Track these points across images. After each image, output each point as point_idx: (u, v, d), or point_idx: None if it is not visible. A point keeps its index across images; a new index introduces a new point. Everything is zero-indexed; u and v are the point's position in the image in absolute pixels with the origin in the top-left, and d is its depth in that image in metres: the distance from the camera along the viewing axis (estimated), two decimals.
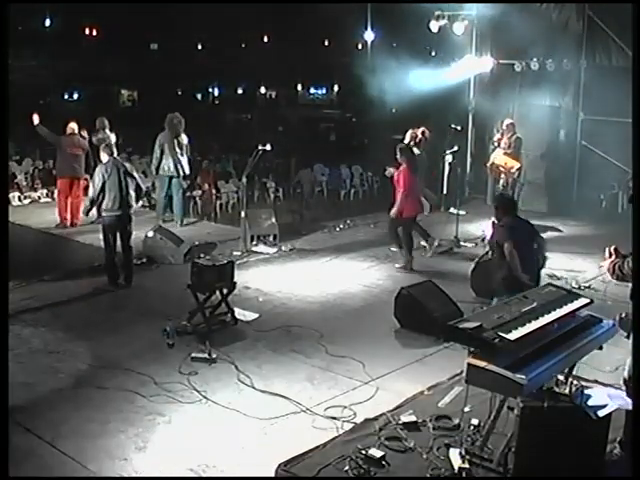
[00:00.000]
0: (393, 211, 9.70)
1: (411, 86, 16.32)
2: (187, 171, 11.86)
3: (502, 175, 12.33)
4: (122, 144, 13.13)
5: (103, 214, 8.92)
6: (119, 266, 8.89)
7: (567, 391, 4.82)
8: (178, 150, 11.68)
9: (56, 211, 12.08)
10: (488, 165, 12.22)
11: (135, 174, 9.08)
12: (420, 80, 15.52)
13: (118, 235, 8.85)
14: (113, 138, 12.29)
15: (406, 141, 10.29)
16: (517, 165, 12.02)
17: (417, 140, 10.42)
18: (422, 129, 10.58)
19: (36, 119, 11.59)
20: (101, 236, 8.97)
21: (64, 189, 11.96)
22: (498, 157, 12.20)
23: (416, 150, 10.22)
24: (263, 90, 48.65)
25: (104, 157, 8.90)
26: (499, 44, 14.44)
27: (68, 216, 11.97)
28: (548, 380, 4.84)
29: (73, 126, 12.00)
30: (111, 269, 8.86)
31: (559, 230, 12.26)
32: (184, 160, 11.83)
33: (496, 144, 12.39)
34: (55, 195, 13.24)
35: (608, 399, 4.62)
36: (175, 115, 11.97)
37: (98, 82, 38.38)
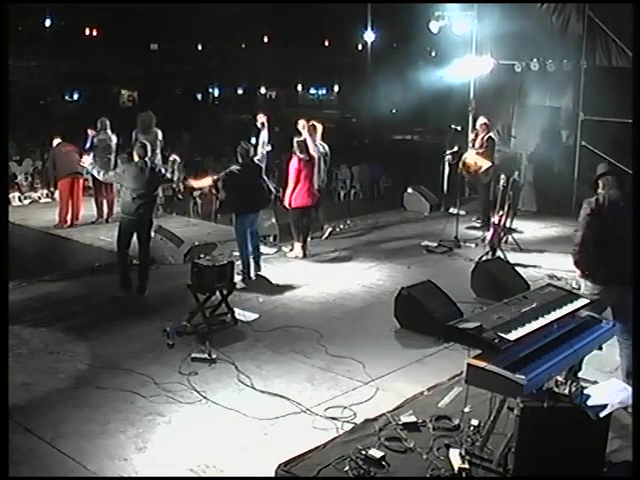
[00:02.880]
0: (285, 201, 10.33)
1: (411, 87, 16.36)
2: (160, 165, 12.07)
3: (474, 175, 12.19)
4: (122, 144, 13.12)
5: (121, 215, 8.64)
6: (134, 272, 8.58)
7: (567, 391, 4.82)
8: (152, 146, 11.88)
9: (56, 211, 12.07)
10: (460, 165, 12.17)
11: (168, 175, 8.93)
12: (420, 81, 15.55)
13: (135, 238, 8.55)
14: (114, 139, 12.30)
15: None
16: (487, 165, 11.83)
17: (311, 133, 10.79)
18: (312, 122, 10.89)
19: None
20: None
21: (65, 189, 11.94)
22: (469, 157, 12.12)
23: (318, 141, 10.80)
24: (263, 90, 48.67)
25: (135, 157, 8.61)
26: (499, 44, 14.44)
27: (69, 217, 11.95)
28: (548, 380, 4.84)
29: (57, 141, 12.12)
30: (123, 273, 8.56)
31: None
32: (158, 155, 12.07)
33: (471, 144, 12.33)
34: (55, 195, 13.26)
35: (609, 398, 4.62)
36: (146, 113, 12.31)
37: (98, 82, 38.42)
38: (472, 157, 12.00)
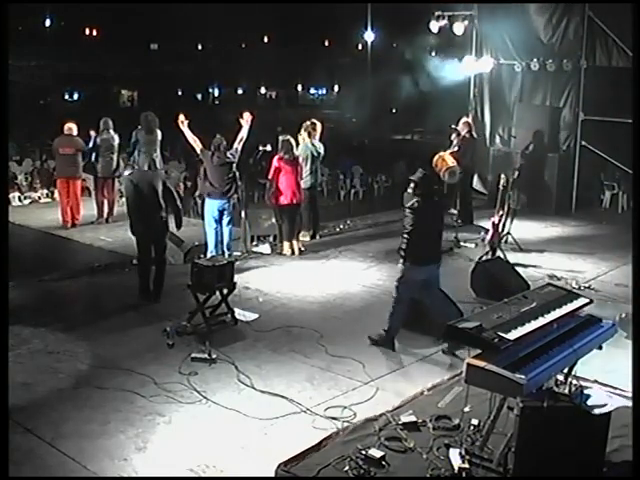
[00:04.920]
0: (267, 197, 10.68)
1: (411, 86, 16.37)
2: (160, 167, 12.03)
3: (444, 173, 12.13)
4: (122, 144, 13.09)
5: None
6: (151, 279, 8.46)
7: (567, 391, 4.82)
8: (152, 147, 11.83)
9: (58, 211, 12.05)
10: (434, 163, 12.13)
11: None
12: (420, 80, 15.56)
13: (152, 247, 8.48)
14: (117, 139, 12.28)
15: (302, 132, 10.94)
16: (451, 164, 11.80)
17: (310, 131, 10.85)
18: (312, 120, 10.96)
19: None
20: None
21: (62, 190, 11.93)
22: (440, 155, 12.05)
23: (313, 141, 10.92)
24: (263, 90, 48.68)
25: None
26: (499, 44, 14.46)
27: (69, 217, 11.92)
28: (547, 380, 4.84)
29: (71, 126, 11.97)
30: (143, 280, 8.44)
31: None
32: (157, 157, 12.04)
33: (455, 143, 12.26)
34: (55, 195, 13.23)
35: (608, 397, 4.62)
36: (149, 113, 12.21)
37: (98, 82, 38.42)
38: (443, 156, 11.95)
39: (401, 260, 7.02)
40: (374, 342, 7.09)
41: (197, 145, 9.83)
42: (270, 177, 10.40)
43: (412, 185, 6.89)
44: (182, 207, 9.07)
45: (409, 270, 6.97)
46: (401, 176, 17.21)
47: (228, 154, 9.69)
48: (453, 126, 12.53)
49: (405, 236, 6.88)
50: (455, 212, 12.28)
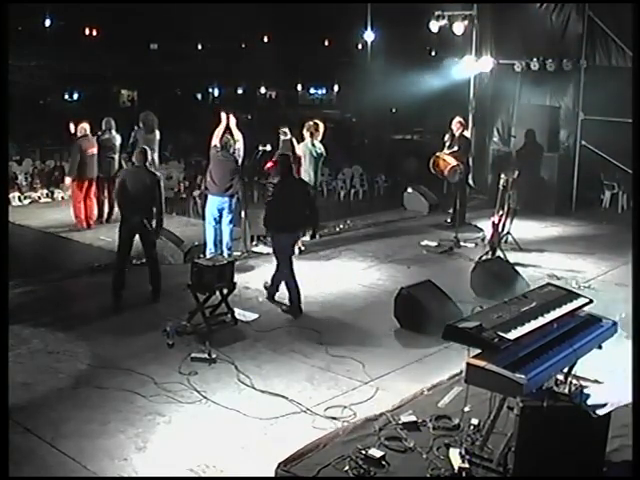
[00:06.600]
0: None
1: (411, 86, 16.37)
2: (157, 166, 11.98)
3: (441, 174, 12.14)
4: (123, 144, 13.08)
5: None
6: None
7: (567, 391, 4.82)
8: (150, 147, 11.78)
9: (71, 212, 11.75)
10: (430, 165, 12.12)
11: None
12: (420, 80, 15.57)
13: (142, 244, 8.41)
14: (118, 139, 12.24)
15: (304, 132, 10.90)
16: (452, 164, 11.81)
17: (312, 132, 10.82)
18: (315, 121, 10.93)
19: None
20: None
21: (79, 190, 11.61)
22: (439, 156, 12.06)
23: (314, 142, 10.81)
24: (263, 90, 48.64)
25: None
26: (499, 44, 14.45)
27: (83, 217, 11.74)
28: (547, 380, 4.84)
29: (86, 126, 11.79)
30: (118, 277, 8.37)
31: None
32: (155, 156, 11.96)
33: (447, 144, 12.24)
34: (56, 195, 13.18)
35: (608, 396, 4.62)
36: (149, 113, 12.21)
37: (98, 82, 38.37)
38: (442, 156, 11.98)
39: (265, 229, 8.44)
40: (265, 288, 8.54)
41: (216, 139, 9.83)
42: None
43: (280, 169, 8.27)
44: (165, 210, 8.83)
45: (274, 238, 8.26)
46: (412, 172, 17.26)
47: (231, 153, 9.72)
48: (452, 126, 12.54)
49: (265, 206, 8.23)
50: (449, 211, 12.28)
